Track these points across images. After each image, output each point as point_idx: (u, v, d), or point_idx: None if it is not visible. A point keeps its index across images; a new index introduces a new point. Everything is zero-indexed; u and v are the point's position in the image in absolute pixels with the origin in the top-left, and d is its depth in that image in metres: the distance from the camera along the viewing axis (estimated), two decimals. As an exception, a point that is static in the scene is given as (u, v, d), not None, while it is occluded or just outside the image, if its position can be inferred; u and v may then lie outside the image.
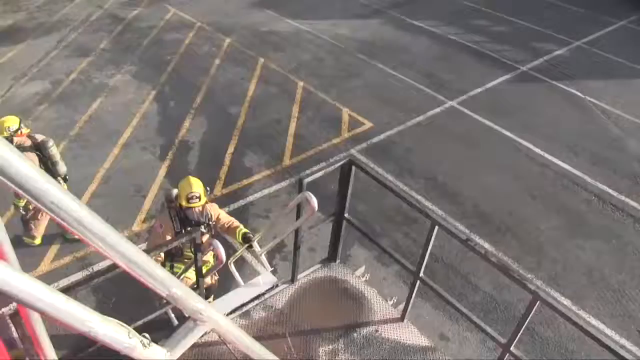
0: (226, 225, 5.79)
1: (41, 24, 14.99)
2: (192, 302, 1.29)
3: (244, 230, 5.68)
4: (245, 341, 1.60)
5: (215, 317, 1.40)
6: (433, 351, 5.07)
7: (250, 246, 5.59)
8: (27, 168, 0.86)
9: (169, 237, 5.35)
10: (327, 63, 13.47)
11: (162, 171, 9.20)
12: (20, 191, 0.87)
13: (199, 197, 5.37)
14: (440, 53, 14.42)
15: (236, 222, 5.82)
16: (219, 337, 4.91)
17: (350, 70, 13.17)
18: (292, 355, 4.85)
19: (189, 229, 5.46)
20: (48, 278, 6.98)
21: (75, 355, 3.81)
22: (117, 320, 1.18)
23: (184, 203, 5.36)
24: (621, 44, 15.50)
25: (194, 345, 4.65)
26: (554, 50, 14.95)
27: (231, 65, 12.98)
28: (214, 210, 5.83)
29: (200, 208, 5.54)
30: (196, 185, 5.40)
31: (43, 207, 0.89)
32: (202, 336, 4.73)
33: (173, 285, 1.21)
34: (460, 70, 13.49)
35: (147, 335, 1.26)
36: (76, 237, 1.02)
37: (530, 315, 3.92)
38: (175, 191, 5.69)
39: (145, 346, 1.23)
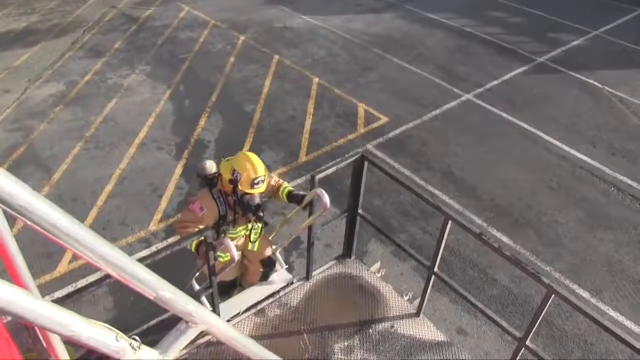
0: (274, 189, 5.18)
1: (55, 25, 15.10)
2: (182, 303, 1.27)
3: (288, 187, 5.15)
4: (241, 341, 1.58)
5: (208, 318, 1.37)
6: (449, 346, 5.02)
7: (300, 202, 4.96)
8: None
9: (208, 223, 4.70)
10: (342, 58, 13.42)
11: (178, 170, 9.22)
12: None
13: (264, 180, 4.66)
14: (456, 46, 14.31)
15: (278, 180, 5.26)
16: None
17: (365, 65, 13.11)
18: (308, 352, 4.83)
19: (243, 215, 4.89)
20: (66, 280, 7.05)
21: (88, 355, 3.81)
22: (103, 324, 1.16)
23: (247, 189, 4.59)
24: (637, 32, 15.26)
25: (209, 344, 4.67)
26: (571, 40, 14.78)
27: (246, 63, 12.98)
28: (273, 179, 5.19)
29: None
30: (261, 167, 4.60)
31: (11, 210, 0.87)
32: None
33: (160, 288, 1.19)
34: (476, 63, 13.37)
35: (137, 337, 1.24)
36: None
37: (545, 309, 3.86)
38: (209, 164, 4.91)
39: (135, 349, 1.21)
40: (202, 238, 4.41)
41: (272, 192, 5.18)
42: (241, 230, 5.10)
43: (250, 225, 5.12)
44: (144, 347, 1.25)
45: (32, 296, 0.97)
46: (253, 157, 4.62)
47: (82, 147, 9.74)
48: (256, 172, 4.55)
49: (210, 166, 4.90)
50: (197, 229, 4.54)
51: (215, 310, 4.65)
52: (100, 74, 12.33)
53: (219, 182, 4.79)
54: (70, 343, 1.11)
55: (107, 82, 11.97)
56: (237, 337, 1.56)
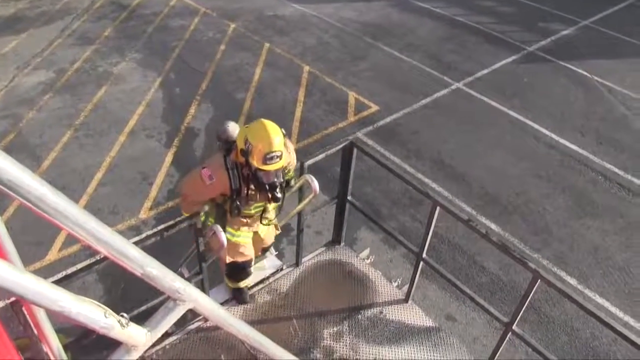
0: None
1: (44, 12, 14.95)
2: (169, 280, 1.29)
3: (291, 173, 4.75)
4: (228, 319, 1.61)
5: (195, 296, 1.40)
6: (437, 331, 5.09)
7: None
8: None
9: (216, 194, 4.29)
10: (333, 46, 13.41)
11: (169, 158, 9.22)
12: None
13: (280, 156, 4.00)
14: (446, 34, 14.33)
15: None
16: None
17: (356, 53, 13.10)
18: (298, 338, 4.88)
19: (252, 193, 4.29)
20: (56, 267, 7.04)
21: (80, 342, 3.85)
22: (92, 300, 1.19)
23: (258, 164, 3.96)
24: (629, 22, 15.37)
25: (199, 329, 4.70)
26: (561, 30, 14.82)
27: (236, 51, 12.94)
28: (292, 154, 4.50)
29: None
30: (278, 139, 3.94)
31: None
32: (208, 320, 4.79)
33: (147, 264, 1.21)
34: (467, 52, 13.41)
35: (125, 315, 1.27)
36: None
37: (532, 294, 3.92)
38: (232, 127, 4.39)
39: (124, 326, 1.24)
40: (203, 218, 4.20)
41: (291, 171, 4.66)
42: (256, 209, 4.54)
43: (267, 205, 4.56)
44: (132, 324, 1.28)
45: (22, 271, 0.99)
46: (270, 127, 3.96)
47: (72, 135, 9.71)
48: (270, 146, 3.89)
49: (233, 129, 4.37)
50: (200, 202, 4.28)
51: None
52: (90, 61, 12.25)
53: (233, 151, 4.18)
54: (61, 321, 1.14)
55: (97, 69, 11.91)
56: (224, 315, 1.59)
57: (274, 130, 3.96)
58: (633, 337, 3.49)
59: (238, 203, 4.29)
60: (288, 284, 5.36)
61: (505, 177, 9.17)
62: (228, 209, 4.38)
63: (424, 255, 4.85)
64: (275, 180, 4.16)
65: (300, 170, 4.68)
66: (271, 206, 4.56)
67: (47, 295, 1.04)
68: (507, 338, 4.37)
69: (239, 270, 4.96)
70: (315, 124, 10.28)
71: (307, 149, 9.40)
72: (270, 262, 5.65)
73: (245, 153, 3.97)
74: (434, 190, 8.59)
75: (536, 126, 10.54)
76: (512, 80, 12.19)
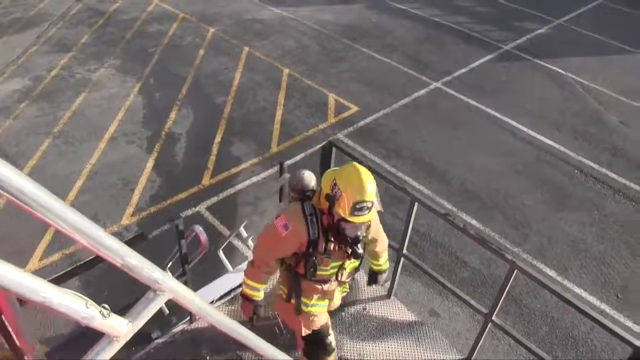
0: (374, 239, 4.15)
1: (18, 19, 14.78)
2: (148, 271, 1.34)
3: (382, 266, 4.38)
4: (207, 310, 1.66)
5: (174, 286, 1.45)
6: (420, 325, 5.17)
7: (376, 280, 4.41)
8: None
9: (290, 249, 3.70)
10: (312, 49, 13.48)
11: (150, 164, 9.22)
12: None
13: (370, 208, 3.42)
14: (424, 35, 14.47)
15: (384, 243, 4.30)
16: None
17: (335, 55, 13.19)
18: (282, 337, 4.93)
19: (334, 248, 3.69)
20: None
21: (61, 350, 3.88)
22: (74, 292, 1.23)
23: (344, 214, 3.38)
24: (599, 21, 15.68)
25: (184, 332, 4.73)
26: (536, 29, 15.06)
27: (216, 55, 12.97)
28: (376, 218, 3.95)
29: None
30: (372, 188, 3.38)
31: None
32: (193, 322, 4.83)
33: (127, 255, 1.26)
34: (445, 52, 13.56)
35: (106, 305, 1.32)
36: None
37: (509, 285, 4.02)
38: (307, 176, 4.00)
39: (105, 316, 1.28)
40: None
41: (369, 235, 4.02)
42: (333, 269, 3.88)
43: (345, 264, 3.89)
44: (114, 315, 1.32)
45: (3, 262, 1.04)
46: (364, 172, 3.41)
47: (51, 142, 9.65)
48: (362, 194, 3.32)
49: (309, 178, 3.98)
50: (271, 273, 3.83)
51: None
52: (67, 68, 12.18)
53: (315, 196, 3.67)
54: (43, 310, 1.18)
55: (75, 76, 11.85)
56: (203, 306, 1.64)
57: (368, 177, 3.40)
58: (608, 323, 3.60)
59: (315, 259, 3.68)
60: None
61: (484, 173, 9.30)
62: (303, 270, 3.77)
63: (404, 251, 4.93)
64: (359, 234, 3.57)
65: (280, 170, 4.74)
66: (348, 267, 3.94)
67: (29, 285, 1.08)
68: (487, 329, 4.45)
69: (319, 342, 4.26)
70: (296, 126, 10.33)
71: (289, 151, 9.46)
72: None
73: (332, 199, 3.42)
74: (415, 189, 8.68)
75: (513, 123, 10.69)
76: (489, 79, 12.35)
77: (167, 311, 5.15)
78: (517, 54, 13.62)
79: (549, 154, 9.89)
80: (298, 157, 4.89)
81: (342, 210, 3.36)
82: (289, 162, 4.79)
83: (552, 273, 7.47)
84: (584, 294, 7.19)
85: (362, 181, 3.33)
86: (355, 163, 3.49)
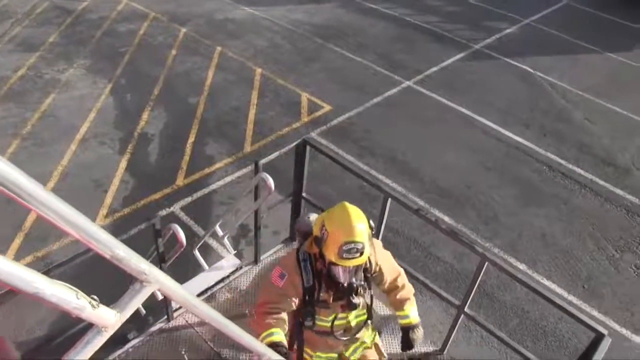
0: (392, 287, 3.72)
1: (-23, 17, 14.41)
2: (136, 262, 1.39)
3: (409, 319, 3.75)
4: (191, 300, 1.71)
5: (160, 278, 1.50)
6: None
7: (409, 342, 3.76)
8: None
9: (292, 300, 3.41)
10: (284, 48, 13.53)
11: (123, 164, 9.18)
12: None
13: (361, 251, 3.14)
14: (396, 34, 14.60)
15: (408, 290, 3.78)
16: (186, 319, 5.03)
17: (308, 54, 13.26)
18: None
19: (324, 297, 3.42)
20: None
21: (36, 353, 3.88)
22: (64, 283, 1.28)
23: (332, 256, 3.16)
24: (565, 21, 16.01)
25: (162, 330, 4.77)
26: (505, 28, 15.29)
27: (188, 55, 12.93)
28: (379, 256, 3.60)
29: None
30: (361, 227, 3.16)
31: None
32: (170, 321, 4.86)
33: (115, 246, 1.31)
34: (416, 51, 13.71)
35: (95, 297, 1.36)
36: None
37: (480, 276, 4.13)
38: (312, 218, 3.69)
39: (95, 307, 1.32)
40: (274, 338, 3.27)
41: (389, 292, 3.74)
42: (339, 320, 3.58)
43: (349, 316, 3.60)
44: (102, 306, 1.36)
45: (-2, 254, 1.08)
46: (353, 212, 3.21)
47: (20, 145, 9.49)
48: (348, 234, 3.09)
49: (311, 219, 3.73)
50: (278, 314, 3.40)
51: (165, 298, 4.74)
52: (34, 68, 11.96)
53: (308, 240, 3.44)
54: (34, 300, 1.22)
55: (44, 77, 11.66)
56: (187, 296, 1.69)
57: (357, 216, 3.19)
58: (571, 309, 3.74)
59: (311, 309, 3.41)
60: (248, 282, 5.46)
61: (455, 170, 9.46)
62: (302, 318, 3.49)
63: (379, 246, 5.01)
64: (354, 281, 3.32)
65: (255, 169, 4.79)
66: (353, 320, 3.63)
67: (22, 277, 1.12)
68: (460, 320, 4.56)
69: None
70: (270, 126, 10.38)
71: (262, 150, 9.49)
72: (229, 261, 5.74)
73: (319, 241, 3.20)
74: (388, 186, 8.79)
75: (484, 120, 10.88)
76: (460, 77, 12.54)
77: (144, 312, 5.16)
78: (487, 52, 13.84)
79: (519, 150, 10.10)
80: (272, 156, 4.92)
81: (330, 252, 3.15)
82: (263, 160, 4.82)
83: (522, 266, 7.66)
84: (553, 286, 7.41)
85: (350, 221, 3.13)
86: (345, 203, 3.29)
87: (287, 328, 3.46)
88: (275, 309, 3.39)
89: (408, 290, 3.76)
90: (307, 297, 3.39)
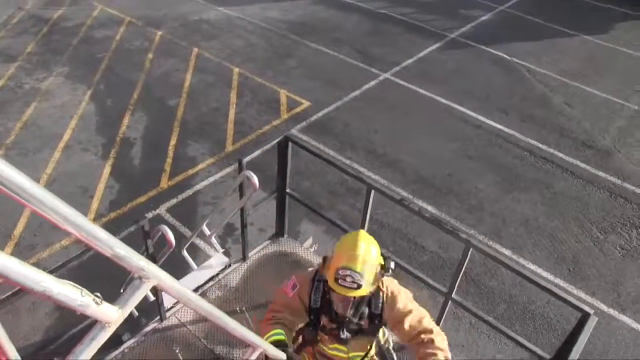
0: (413, 337, 3.23)
1: (-45, 31, 14.31)
2: (135, 259, 1.46)
3: None
4: (187, 295, 1.78)
5: (158, 274, 1.57)
6: None
7: None
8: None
9: (297, 313, 3.38)
10: (261, 47, 13.57)
11: (107, 170, 9.18)
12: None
13: (358, 282, 2.94)
14: (372, 28, 14.71)
15: (438, 343, 3.17)
16: (177, 318, 5.09)
17: (284, 52, 13.31)
18: (252, 330, 5.05)
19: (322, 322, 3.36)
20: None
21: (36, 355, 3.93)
22: (70, 282, 1.35)
23: (329, 281, 3.06)
24: (540, 6, 16.30)
25: (155, 330, 4.83)
26: (479, 16, 15.49)
27: (165, 58, 12.92)
28: (394, 296, 3.25)
29: (357, 298, 3.12)
30: (362, 259, 2.97)
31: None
32: (163, 321, 4.92)
33: (115, 245, 1.38)
34: (392, 43, 13.82)
35: (99, 294, 1.43)
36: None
37: (466, 263, 4.23)
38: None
39: (98, 304, 1.40)
40: (275, 338, 3.22)
41: (410, 341, 3.27)
42: (340, 352, 3.53)
43: (338, 346, 3.49)
44: (105, 303, 1.44)
45: (7, 255, 1.15)
46: (364, 242, 3.04)
47: (3, 154, 9.46)
48: (347, 260, 2.97)
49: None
50: (283, 324, 3.34)
51: (158, 298, 4.81)
52: (14, 79, 11.93)
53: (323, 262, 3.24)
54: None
55: (24, 87, 11.62)
56: (184, 291, 1.76)
57: (366, 249, 3.01)
58: (557, 290, 3.85)
59: (313, 331, 3.40)
60: (237, 278, 5.53)
61: (437, 160, 9.58)
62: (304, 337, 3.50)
63: (364, 238, 5.10)
64: (349, 314, 3.17)
65: (239, 168, 4.86)
66: (351, 355, 3.53)
67: (30, 276, 1.19)
68: (448, 307, 4.67)
69: None
70: (250, 124, 10.43)
71: (244, 149, 9.54)
72: (217, 259, 5.80)
73: (325, 262, 3.16)
74: (370, 179, 8.88)
75: (462, 109, 11.02)
76: (437, 67, 12.68)
77: (136, 313, 5.21)
78: (462, 41, 14.00)
79: (499, 137, 10.24)
80: (255, 154, 5.00)
81: (329, 275, 3.04)
82: (247, 159, 4.89)
83: (507, 252, 7.79)
84: (539, 270, 7.53)
85: (355, 249, 2.98)
86: (362, 231, 3.15)
87: (292, 335, 3.41)
88: (281, 319, 3.36)
89: (438, 343, 3.18)
90: (311, 317, 3.36)
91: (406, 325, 3.20)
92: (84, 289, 1.38)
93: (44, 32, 14.14)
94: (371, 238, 3.13)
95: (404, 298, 3.27)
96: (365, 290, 3.00)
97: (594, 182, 9.29)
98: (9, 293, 3.67)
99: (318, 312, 3.32)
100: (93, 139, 9.98)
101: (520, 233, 8.19)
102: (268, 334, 3.27)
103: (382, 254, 3.15)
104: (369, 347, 3.51)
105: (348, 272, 2.93)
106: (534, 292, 7.03)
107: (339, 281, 2.96)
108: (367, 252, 3.01)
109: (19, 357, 1.97)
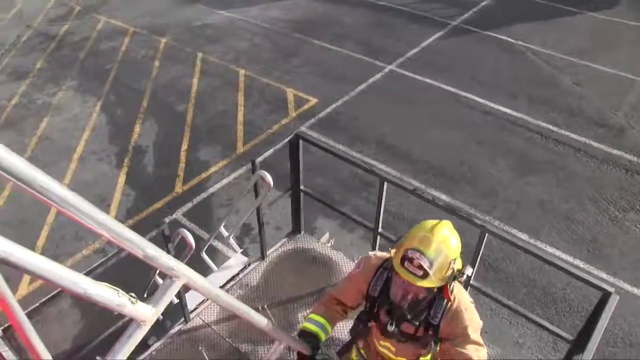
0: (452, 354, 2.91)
1: (-32, 52, 14.59)
2: (165, 260, 1.54)
3: None
4: (215, 292, 1.86)
5: (187, 273, 1.65)
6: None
7: None
8: (17, 160, 1.10)
9: (356, 295, 3.20)
10: (265, 47, 13.64)
11: (122, 178, 9.30)
12: (17, 182, 1.11)
13: (425, 272, 2.65)
14: (373, 20, 14.74)
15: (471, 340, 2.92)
16: (202, 320, 5.19)
17: (288, 50, 13.37)
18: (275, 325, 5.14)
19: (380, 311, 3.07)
20: (28, 301, 7.06)
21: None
22: (106, 284, 1.43)
23: (395, 263, 2.78)
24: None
25: (180, 332, 4.92)
26: (481, 1, 15.44)
27: (171, 65, 13.03)
28: (458, 312, 2.91)
29: (420, 289, 2.77)
30: (435, 244, 2.69)
31: (33, 191, 1.13)
32: (187, 323, 5.01)
33: (146, 246, 1.47)
34: (395, 34, 13.83)
35: (133, 294, 1.52)
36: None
37: (482, 248, 4.27)
38: None
39: (133, 303, 1.48)
40: (305, 326, 3.22)
41: (444, 351, 2.98)
42: (388, 349, 3.29)
43: (383, 343, 3.26)
44: (139, 302, 1.52)
45: (51, 261, 1.24)
46: (441, 230, 2.75)
47: (21, 170, 9.62)
48: (415, 241, 2.71)
49: None
50: (335, 300, 3.31)
51: (181, 300, 4.90)
52: (27, 95, 12.10)
53: None
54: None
55: (36, 102, 11.78)
56: (213, 289, 1.85)
57: (441, 231, 2.74)
58: (575, 270, 3.89)
59: (368, 320, 3.15)
60: (257, 277, 5.61)
61: (447, 148, 9.60)
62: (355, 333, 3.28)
63: (380, 229, 5.17)
64: (404, 302, 2.85)
65: (252, 168, 4.94)
66: (398, 357, 3.28)
67: (72, 279, 1.28)
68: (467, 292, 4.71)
69: None
70: (259, 125, 10.51)
71: (255, 150, 9.63)
72: (236, 259, 5.88)
73: (394, 245, 2.91)
74: (382, 171, 8.92)
75: (470, 96, 11.03)
76: (441, 56, 12.68)
77: (161, 317, 5.30)
78: (465, 28, 13.99)
79: (509, 122, 10.24)
80: (267, 154, 5.07)
81: (396, 256, 2.79)
82: (259, 158, 4.97)
83: (524, 236, 7.78)
84: (558, 252, 7.51)
85: (432, 231, 2.73)
86: (445, 221, 2.84)
87: (336, 320, 3.35)
88: (332, 302, 3.33)
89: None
90: (367, 305, 3.13)
91: (454, 351, 2.88)
92: (120, 290, 1.47)
93: (52, 48, 14.32)
94: (454, 231, 2.83)
95: (469, 320, 2.92)
96: (431, 282, 2.69)
97: (609, 160, 9.26)
98: (45, 298, 3.77)
99: (374, 301, 3.06)
100: (106, 148, 10.11)
101: (536, 216, 8.19)
102: (308, 316, 3.28)
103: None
104: (418, 357, 3.18)
105: (417, 255, 2.65)
106: (554, 275, 7.04)
107: (405, 263, 2.69)
108: (445, 240, 2.72)
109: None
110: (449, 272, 2.74)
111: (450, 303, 2.89)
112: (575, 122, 10.18)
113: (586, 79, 11.60)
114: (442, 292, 2.85)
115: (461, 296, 2.95)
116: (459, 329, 2.88)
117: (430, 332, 2.94)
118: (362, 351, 3.53)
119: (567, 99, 10.88)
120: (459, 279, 2.80)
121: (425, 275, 2.65)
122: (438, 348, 3.03)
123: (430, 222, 2.81)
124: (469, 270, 2.83)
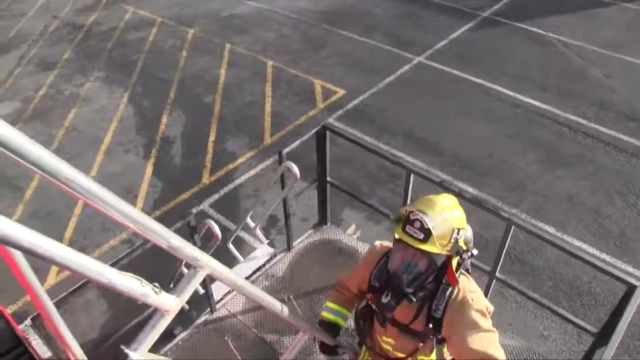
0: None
1: (-4, 42, 14.85)
2: (189, 250, 1.54)
3: None
4: (240, 282, 1.86)
5: (211, 263, 1.65)
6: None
7: None
8: (44, 152, 1.10)
9: (362, 277, 3.08)
10: (293, 38, 13.63)
11: (149, 169, 9.38)
12: (44, 174, 1.12)
13: (426, 235, 2.49)
14: (402, 12, 14.61)
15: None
16: (226, 309, 5.22)
17: (317, 41, 13.34)
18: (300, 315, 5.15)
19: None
20: (57, 291, 7.17)
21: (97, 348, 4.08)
22: (130, 274, 1.44)
23: (397, 229, 2.61)
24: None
25: (206, 322, 4.95)
26: (510, -9, 15.22)
27: (199, 55, 13.09)
28: (464, 301, 2.68)
29: (419, 256, 2.60)
30: (436, 207, 2.57)
31: (59, 183, 1.14)
32: (213, 313, 5.04)
33: (171, 237, 1.46)
34: (424, 26, 13.71)
35: (157, 284, 1.52)
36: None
37: (508, 241, 4.23)
38: None
39: (157, 293, 1.48)
40: (323, 315, 3.29)
41: (458, 352, 2.71)
42: (388, 345, 3.11)
43: (386, 338, 3.09)
44: (163, 292, 1.53)
45: (76, 252, 1.24)
46: (449, 197, 2.70)
47: (50, 160, 9.74)
48: (421, 205, 2.57)
49: None
50: (347, 286, 3.27)
51: (207, 290, 4.93)
52: (54, 86, 12.27)
53: None
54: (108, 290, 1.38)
55: (64, 93, 11.95)
56: (237, 279, 1.84)
57: (445, 200, 2.64)
58: (600, 263, 3.82)
59: (366, 311, 3.11)
60: (283, 268, 5.63)
61: (475, 141, 9.50)
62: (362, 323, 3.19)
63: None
64: (402, 269, 2.67)
65: (279, 159, 4.94)
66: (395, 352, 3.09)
67: (97, 270, 1.28)
68: (492, 286, 4.67)
69: None
70: (287, 116, 10.51)
71: (282, 141, 9.63)
72: (263, 250, 5.90)
73: (397, 217, 2.69)
74: (410, 163, 8.88)
75: (499, 88, 10.89)
76: (470, 47, 12.53)
77: (187, 307, 5.35)
78: (495, 19, 13.80)
79: (538, 114, 10.10)
80: (294, 145, 5.06)
81: (397, 225, 2.63)
82: (286, 150, 4.97)
83: (551, 229, 7.69)
84: (584, 246, 7.41)
85: (436, 197, 2.64)
86: (451, 195, 2.77)
87: (351, 303, 3.32)
88: (343, 286, 3.30)
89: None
90: (370, 294, 3.00)
91: (465, 344, 2.60)
92: (143, 280, 1.47)
93: (79, 39, 14.47)
94: (459, 205, 2.73)
95: (477, 307, 2.68)
96: (432, 246, 2.50)
97: (639, 154, 9.09)
98: (72, 288, 3.82)
99: (379, 289, 2.87)
100: (134, 139, 10.20)
101: (564, 210, 8.08)
102: (325, 305, 3.32)
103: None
104: (414, 351, 2.95)
105: (419, 217, 2.49)
106: (580, 268, 6.95)
107: (407, 228, 2.53)
108: (449, 208, 2.60)
109: (85, 358, 2.06)
110: (452, 242, 2.59)
111: (455, 293, 2.70)
112: (605, 116, 10.00)
113: (618, 71, 11.37)
114: (446, 273, 2.68)
115: (467, 285, 2.77)
116: (467, 320, 2.63)
117: (431, 326, 2.74)
118: (367, 352, 3.45)
119: (598, 92, 10.69)
120: (464, 256, 2.63)
121: (427, 238, 2.49)
122: (445, 349, 2.88)
123: (436, 194, 2.69)
124: (474, 250, 2.69)
